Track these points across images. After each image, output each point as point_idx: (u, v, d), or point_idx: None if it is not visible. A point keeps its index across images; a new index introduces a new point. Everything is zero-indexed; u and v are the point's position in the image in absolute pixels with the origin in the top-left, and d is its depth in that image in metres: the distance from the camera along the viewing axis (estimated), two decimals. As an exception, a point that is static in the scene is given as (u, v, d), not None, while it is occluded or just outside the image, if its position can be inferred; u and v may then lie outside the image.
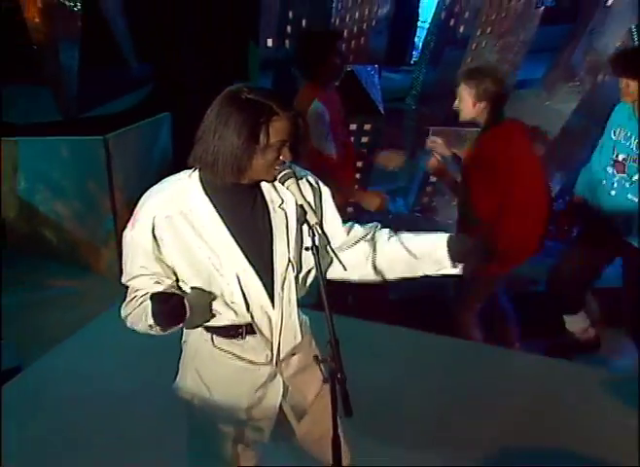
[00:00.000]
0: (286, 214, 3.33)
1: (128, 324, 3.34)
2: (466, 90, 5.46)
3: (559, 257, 6.39)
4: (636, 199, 5.58)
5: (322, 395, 3.47)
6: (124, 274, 3.34)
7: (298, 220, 3.29)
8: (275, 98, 3.17)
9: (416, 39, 9.04)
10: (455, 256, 3.35)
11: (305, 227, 3.21)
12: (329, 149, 5.64)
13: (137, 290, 3.32)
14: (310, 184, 3.35)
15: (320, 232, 3.17)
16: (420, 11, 9.00)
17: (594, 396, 5.36)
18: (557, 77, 8.32)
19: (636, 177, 5.56)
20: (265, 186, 3.32)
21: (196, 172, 3.29)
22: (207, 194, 3.28)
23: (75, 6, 7.97)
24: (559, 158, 7.55)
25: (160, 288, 3.23)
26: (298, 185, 3.24)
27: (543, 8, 8.26)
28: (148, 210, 3.25)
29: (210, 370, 3.50)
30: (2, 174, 7.53)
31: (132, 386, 5.22)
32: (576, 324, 6.17)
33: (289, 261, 3.32)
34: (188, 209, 3.25)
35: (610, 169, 5.69)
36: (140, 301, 3.28)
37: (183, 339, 3.57)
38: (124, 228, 3.31)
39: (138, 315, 3.25)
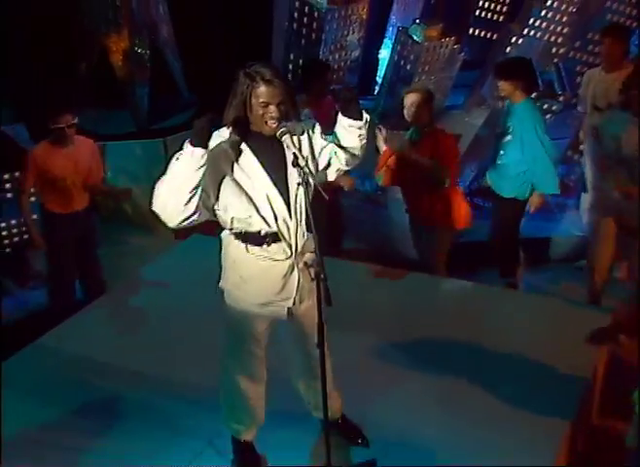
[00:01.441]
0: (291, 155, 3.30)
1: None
2: (409, 100, 5.42)
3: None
4: (499, 162, 5.64)
5: (313, 290, 3.35)
6: None
7: (292, 164, 3.21)
8: (263, 72, 3.16)
9: (378, 77, 8.82)
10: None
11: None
12: None
13: None
14: (304, 133, 3.36)
15: (308, 171, 3.16)
16: (380, 56, 8.76)
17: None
18: (472, 103, 8.25)
19: (499, 145, 5.63)
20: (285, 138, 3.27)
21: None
22: (245, 141, 3.25)
23: (145, 54, 7.89)
24: (473, 155, 7.48)
25: None
26: (291, 138, 3.22)
27: (463, 53, 8.20)
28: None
29: (247, 269, 3.42)
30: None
31: (178, 298, 5.14)
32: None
33: (298, 184, 3.25)
34: (235, 150, 3.25)
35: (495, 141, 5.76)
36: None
37: (222, 252, 3.48)
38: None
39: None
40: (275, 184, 3.28)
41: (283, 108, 3.19)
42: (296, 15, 7.59)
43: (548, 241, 6.86)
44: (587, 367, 4.33)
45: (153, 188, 3.15)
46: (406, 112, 5.40)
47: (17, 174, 6.25)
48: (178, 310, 4.97)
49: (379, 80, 8.65)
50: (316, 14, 7.54)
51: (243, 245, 3.36)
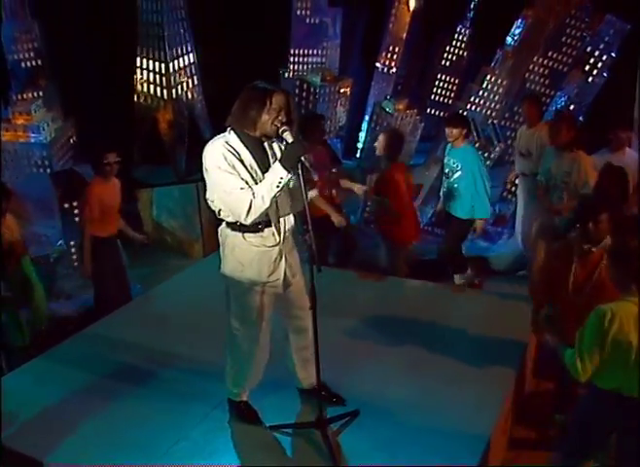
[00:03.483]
0: (275, 155, 3.03)
1: (257, 212, 2.91)
2: (379, 142, 5.26)
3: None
4: (454, 193, 5.40)
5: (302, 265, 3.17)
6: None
7: None
8: (275, 85, 2.96)
9: (359, 144, 8.55)
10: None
11: None
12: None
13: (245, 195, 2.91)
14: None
15: (306, 159, 2.88)
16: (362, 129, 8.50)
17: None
18: (430, 163, 7.96)
19: (452, 179, 5.38)
20: (265, 145, 3.03)
21: (232, 132, 2.97)
22: (242, 142, 2.95)
23: (184, 124, 7.73)
24: (430, 198, 7.35)
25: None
26: (291, 134, 2.92)
27: (422, 124, 8.02)
28: (219, 151, 2.92)
29: (244, 254, 3.09)
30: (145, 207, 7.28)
31: (196, 296, 4.83)
32: (459, 279, 5.71)
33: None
34: (237, 149, 2.93)
35: (444, 178, 5.51)
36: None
37: (220, 241, 3.15)
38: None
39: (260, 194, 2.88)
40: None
41: (289, 115, 2.94)
42: (297, 90, 7.49)
43: (490, 258, 6.60)
44: (522, 341, 4.10)
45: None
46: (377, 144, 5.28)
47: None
48: (194, 304, 4.69)
49: (360, 145, 8.46)
50: (312, 89, 7.47)
51: (240, 234, 3.05)
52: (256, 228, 3.01)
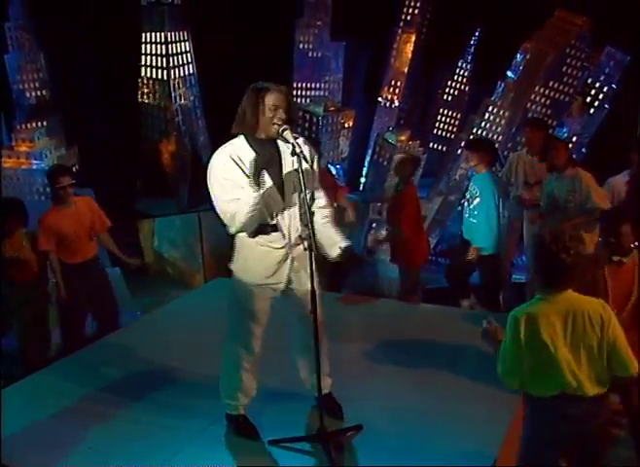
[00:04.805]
0: (286, 158, 2.97)
1: (241, 225, 2.92)
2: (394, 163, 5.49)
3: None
4: (473, 220, 5.19)
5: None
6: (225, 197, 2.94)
7: (291, 153, 2.88)
8: (271, 83, 2.93)
9: (362, 178, 8.61)
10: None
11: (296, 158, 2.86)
12: None
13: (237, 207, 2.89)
14: (304, 142, 3.01)
15: (304, 157, 2.83)
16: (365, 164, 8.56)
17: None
18: (433, 194, 8.15)
19: (471, 206, 5.19)
20: (279, 144, 2.98)
21: (242, 136, 2.97)
22: (250, 145, 2.94)
23: (187, 155, 7.82)
24: (433, 229, 7.55)
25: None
26: (291, 133, 2.88)
27: (425, 155, 8.10)
28: (221, 159, 2.94)
29: (250, 253, 3.07)
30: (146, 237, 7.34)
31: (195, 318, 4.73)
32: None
33: (292, 183, 2.96)
34: (242, 154, 2.92)
35: (465, 202, 5.40)
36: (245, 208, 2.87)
37: (235, 239, 3.10)
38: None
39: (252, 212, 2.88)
40: (274, 182, 2.95)
41: (288, 112, 2.91)
42: (300, 121, 7.59)
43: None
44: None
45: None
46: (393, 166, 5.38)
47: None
48: (193, 325, 4.59)
49: (363, 179, 8.49)
50: (314, 119, 7.55)
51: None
52: (264, 230, 2.99)
